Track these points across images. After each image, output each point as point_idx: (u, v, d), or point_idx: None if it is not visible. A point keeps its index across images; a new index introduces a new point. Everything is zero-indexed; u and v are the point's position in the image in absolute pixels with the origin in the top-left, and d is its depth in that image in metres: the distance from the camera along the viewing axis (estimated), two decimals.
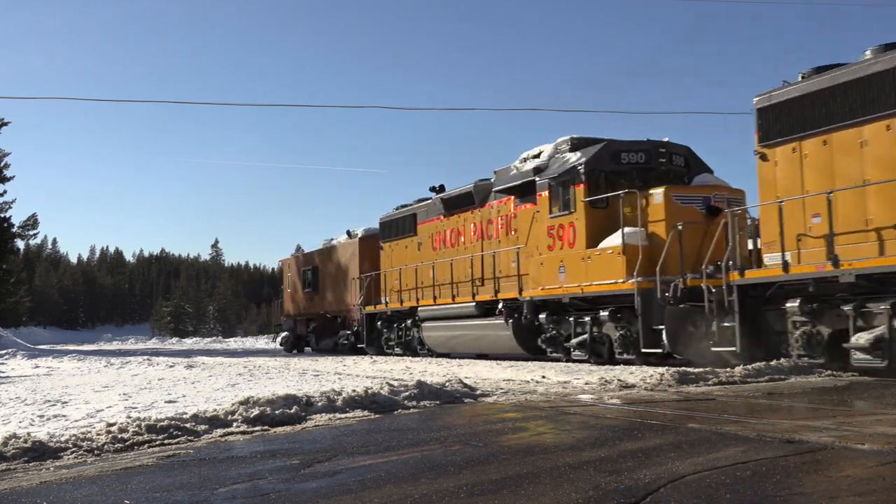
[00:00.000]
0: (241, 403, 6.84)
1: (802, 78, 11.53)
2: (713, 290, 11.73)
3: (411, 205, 22.18)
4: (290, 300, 31.49)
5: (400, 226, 22.24)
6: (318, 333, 28.30)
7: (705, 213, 13.51)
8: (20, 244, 60.74)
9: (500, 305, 17.01)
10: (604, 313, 14.15)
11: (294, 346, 30.63)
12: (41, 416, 7.42)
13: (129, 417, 6.55)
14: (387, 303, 22.35)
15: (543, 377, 10.94)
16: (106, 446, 5.46)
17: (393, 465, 4.46)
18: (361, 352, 24.31)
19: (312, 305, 28.92)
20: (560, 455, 4.62)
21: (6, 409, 8.34)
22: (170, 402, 8.56)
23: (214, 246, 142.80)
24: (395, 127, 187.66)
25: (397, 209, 22.82)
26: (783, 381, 9.64)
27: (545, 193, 15.62)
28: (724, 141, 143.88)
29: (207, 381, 12.04)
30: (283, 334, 32.29)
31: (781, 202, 11.19)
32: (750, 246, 12.44)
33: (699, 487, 3.63)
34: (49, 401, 9.01)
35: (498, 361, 16.73)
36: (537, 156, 16.39)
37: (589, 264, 14.46)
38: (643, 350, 13.24)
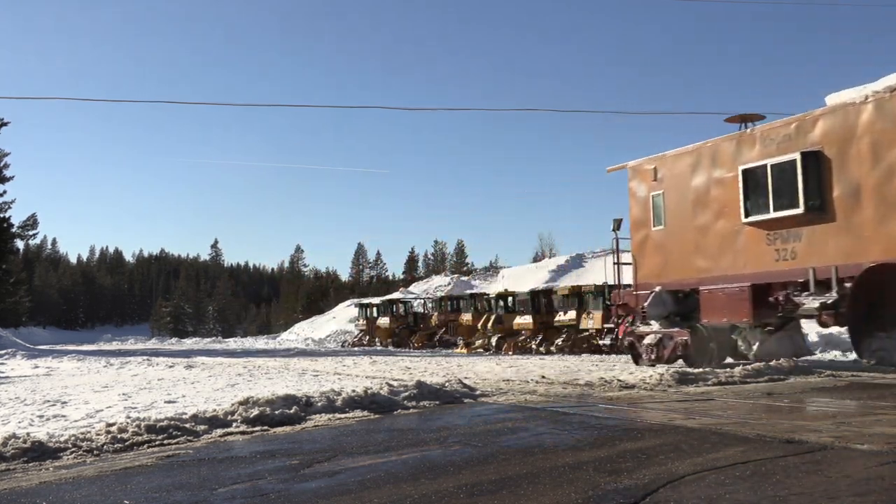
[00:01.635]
0: (241, 403, 6.84)
1: None
2: None
3: None
4: (661, 253, 13.75)
5: None
6: (886, 315, 10.06)
7: None
8: (20, 244, 61.01)
9: None
10: None
11: (679, 355, 12.93)
12: (41, 417, 7.42)
13: (129, 417, 6.55)
14: None
15: (543, 377, 10.93)
16: (105, 446, 5.46)
17: (393, 465, 4.46)
18: None
19: (809, 251, 11.02)
20: (559, 455, 4.62)
21: (6, 409, 8.34)
22: (169, 402, 8.56)
23: (214, 246, 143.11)
24: (395, 127, 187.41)
25: None
26: (783, 381, 9.66)
27: None
28: None
29: (207, 381, 12.04)
30: (645, 332, 13.63)
31: None
32: None
33: (698, 487, 3.63)
34: (49, 401, 9.01)
35: (497, 361, 16.66)
36: None
37: None
38: None
